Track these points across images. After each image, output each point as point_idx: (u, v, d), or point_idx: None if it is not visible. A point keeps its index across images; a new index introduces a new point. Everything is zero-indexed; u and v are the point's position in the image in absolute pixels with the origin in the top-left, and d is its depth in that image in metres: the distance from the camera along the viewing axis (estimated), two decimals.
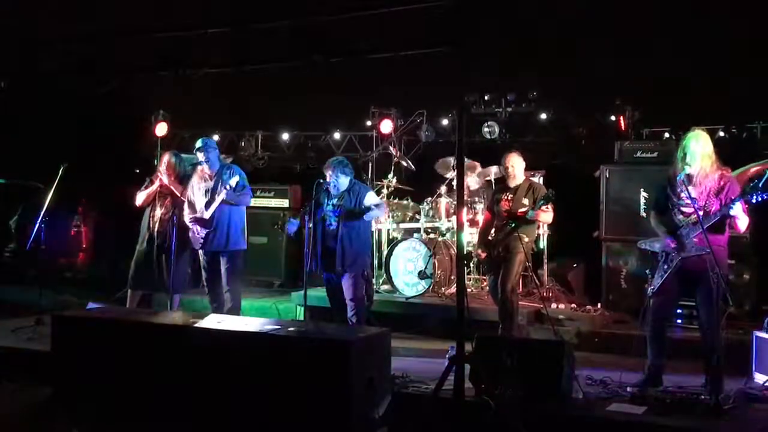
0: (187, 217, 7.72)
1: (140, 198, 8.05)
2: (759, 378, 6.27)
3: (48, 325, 6.61)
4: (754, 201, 5.63)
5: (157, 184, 7.96)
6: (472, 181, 9.42)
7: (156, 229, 7.92)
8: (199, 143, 7.78)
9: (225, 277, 7.72)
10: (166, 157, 8.06)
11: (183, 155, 9.65)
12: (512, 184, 7.58)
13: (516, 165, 7.57)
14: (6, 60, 10.82)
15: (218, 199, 7.54)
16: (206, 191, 7.67)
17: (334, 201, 7.32)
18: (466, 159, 9.32)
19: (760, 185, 5.62)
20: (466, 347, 4.94)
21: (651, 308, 6.10)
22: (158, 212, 7.95)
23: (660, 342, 6.08)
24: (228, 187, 7.49)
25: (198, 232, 7.65)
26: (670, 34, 9.38)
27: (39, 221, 8.48)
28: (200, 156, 7.71)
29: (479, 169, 9.49)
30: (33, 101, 11.73)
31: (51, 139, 11.53)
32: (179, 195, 7.88)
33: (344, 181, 7.33)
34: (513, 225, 7.32)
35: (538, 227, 8.30)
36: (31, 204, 10.77)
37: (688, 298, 6.35)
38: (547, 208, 7.29)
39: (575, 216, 8.93)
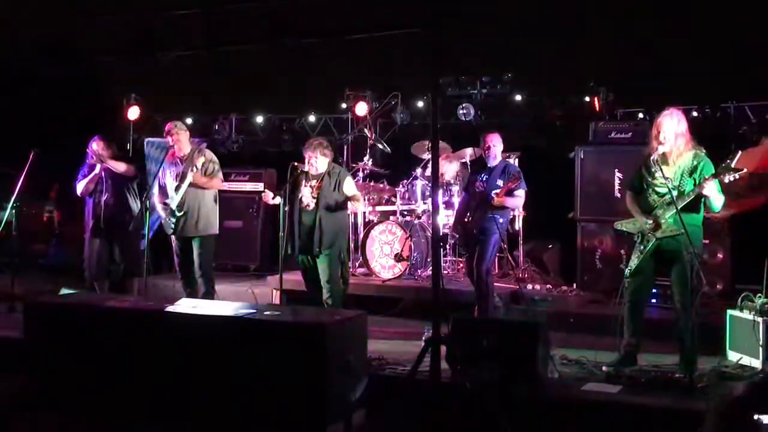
0: (157, 202, 7.70)
1: (81, 187, 7.96)
2: (732, 356, 6.34)
3: (21, 312, 6.55)
4: (726, 181, 5.65)
5: (98, 169, 7.87)
6: (450, 169, 9.40)
7: (104, 214, 7.84)
8: (168, 126, 7.72)
9: (197, 262, 7.68)
10: (95, 142, 7.95)
11: (155, 139, 9.60)
12: (490, 164, 7.57)
13: (496, 144, 7.57)
14: None
15: (186, 183, 7.49)
16: (177, 175, 7.62)
17: (313, 182, 7.28)
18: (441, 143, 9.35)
19: (732, 165, 5.62)
20: (442, 329, 4.94)
21: (628, 289, 6.13)
22: (104, 198, 7.87)
23: (636, 322, 6.11)
24: (194, 169, 7.43)
25: (168, 218, 7.62)
26: (645, 15, 9.39)
27: (10, 208, 8.38)
28: (170, 140, 7.65)
29: (450, 152, 9.49)
30: (1, 85, 11.56)
31: (21, 125, 11.38)
32: (123, 173, 7.90)
33: (323, 163, 7.29)
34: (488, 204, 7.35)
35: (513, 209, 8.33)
36: (2, 190, 10.64)
37: (664, 278, 6.38)
38: (514, 192, 7.30)
39: (550, 197, 8.97)
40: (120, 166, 7.95)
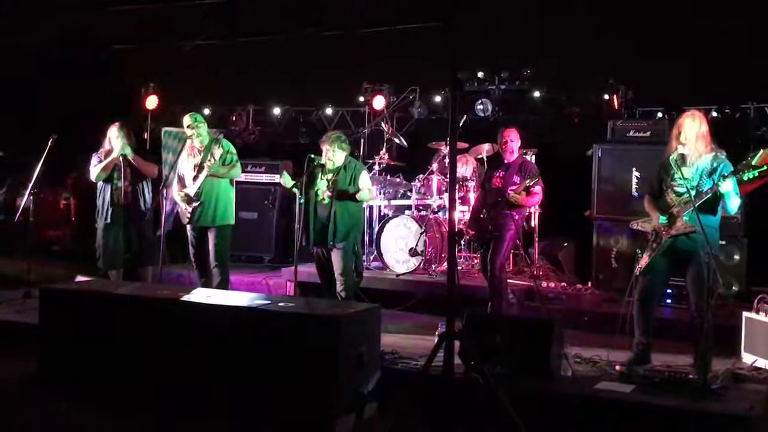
0: (176, 191, 7.71)
1: (96, 172, 7.95)
2: (747, 358, 6.29)
3: (36, 298, 6.59)
4: (745, 179, 5.61)
5: (116, 155, 7.87)
6: (468, 171, 9.40)
7: (120, 201, 7.86)
8: (187, 118, 7.72)
9: (213, 253, 7.69)
10: (116, 129, 7.95)
11: (172, 129, 9.59)
12: (508, 160, 7.54)
13: (514, 140, 7.54)
14: None
15: (203, 174, 7.50)
16: (195, 165, 7.64)
17: (329, 176, 7.28)
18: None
19: (752, 162, 5.59)
20: (456, 324, 4.93)
21: (639, 287, 6.10)
22: (121, 184, 7.88)
23: (647, 320, 6.08)
24: (212, 160, 7.44)
25: (186, 207, 7.63)
26: (666, 14, 9.34)
27: (28, 194, 8.42)
28: (189, 131, 7.66)
29: (467, 154, 9.48)
30: (21, 73, 11.61)
31: (40, 111, 11.44)
32: (148, 173, 7.99)
33: (340, 156, 7.28)
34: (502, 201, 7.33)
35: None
36: (20, 176, 10.70)
37: (679, 278, 6.35)
38: (531, 190, 7.27)
39: (567, 195, 8.93)
40: (146, 165, 7.98)
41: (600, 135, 8.94)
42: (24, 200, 8.50)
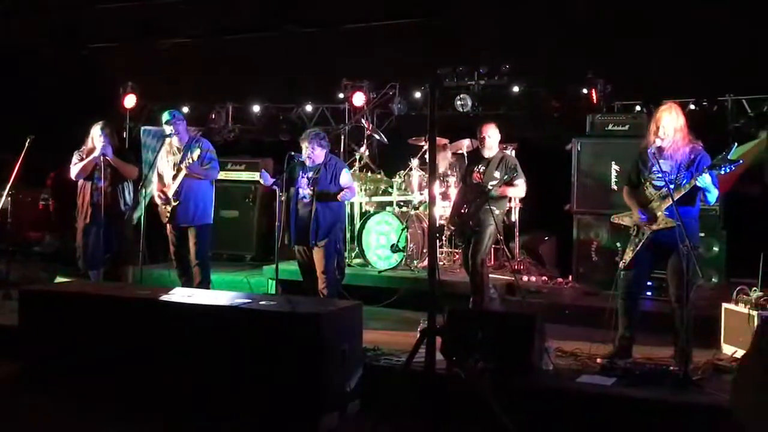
0: (155, 190, 7.68)
1: (76, 170, 7.87)
2: (727, 350, 6.35)
3: (16, 299, 6.54)
4: (722, 172, 5.65)
5: (98, 153, 7.77)
6: (443, 160, 9.41)
7: (102, 201, 7.79)
8: (166, 116, 7.68)
9: (193, 251, 7.67)
10: (98, 128, 7.88)
11: (151, 128, 9.52)
12: (486, 155, 7.57)
13: (492, 135, 7.58)
14: None
15: (181, 173, 7.47)
16: (174, 164, 7.60)
17: (310, 174, 7.26)
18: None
19: (729, 156, 5.62)
20: (437, 320, 4.93)
21: (623, 282, 6.13)
22: (101, 184, 7.81)
23: (631, 315, 6.11)
24: (190, 160, 7.40)
25: (165, 207, 7.59)
26: (643, 7, 9.37)
27: (5, 195, 8.36)
28: (168, 129, 7.62)
29: (448, 149, 9.47)
30: None
31: (18, 111, 11.34)
32: (126, 174, 7.92)
33: (320, 154, 7.26)
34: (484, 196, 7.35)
35: (510, 200, 8.34)
36: None
37: (660, 271, 6.38)
38: (514, 184, 7.31)
39: (547, 189, 8.95)
40: (124, 167, 7.89)
41: (579, 129, 8.97)
42: (2, 201, 8.43)
